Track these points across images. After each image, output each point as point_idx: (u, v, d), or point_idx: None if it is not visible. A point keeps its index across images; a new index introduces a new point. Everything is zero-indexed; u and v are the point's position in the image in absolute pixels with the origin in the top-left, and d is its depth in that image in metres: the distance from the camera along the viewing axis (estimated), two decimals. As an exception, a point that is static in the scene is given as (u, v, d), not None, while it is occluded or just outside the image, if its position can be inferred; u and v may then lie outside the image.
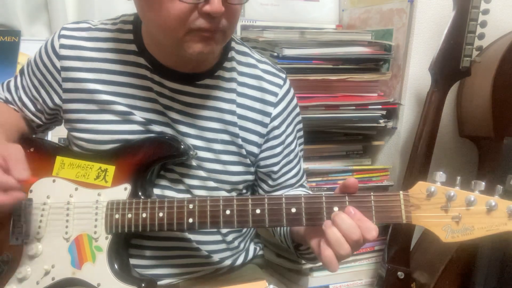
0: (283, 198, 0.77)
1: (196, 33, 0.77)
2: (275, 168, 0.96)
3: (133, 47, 0.90)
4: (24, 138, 0.99)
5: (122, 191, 0.87)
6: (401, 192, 0.74)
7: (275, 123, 0.94)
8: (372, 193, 0.75)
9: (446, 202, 0.71)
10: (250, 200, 0.79)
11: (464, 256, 1.30)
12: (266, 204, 0.78)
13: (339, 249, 0.72)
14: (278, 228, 0.96)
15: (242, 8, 0.82)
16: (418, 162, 1.25)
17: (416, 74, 1.41)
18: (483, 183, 0.71)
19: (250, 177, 0.97)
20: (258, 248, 1.09)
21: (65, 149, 0.97)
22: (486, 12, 1.18)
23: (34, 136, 1.05)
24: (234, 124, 0.92)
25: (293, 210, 0.77)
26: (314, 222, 0.76)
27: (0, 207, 0.77)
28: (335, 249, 0.72)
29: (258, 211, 0.78)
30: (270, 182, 0.98)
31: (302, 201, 0.76)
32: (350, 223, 0.72)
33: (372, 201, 0.74)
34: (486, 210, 0.70)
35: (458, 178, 0.72)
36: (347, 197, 0.75)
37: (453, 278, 1.31)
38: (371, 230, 0.72)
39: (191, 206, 0.81)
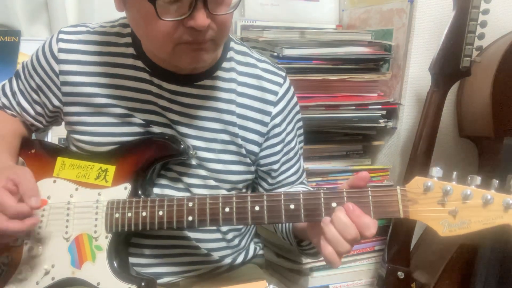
0: (282, 195, 0.78)
1: (185, 46, 0.78)
2: (275, 166, 0.97)
3: (131, 50, 0.91)
4: (25, 140, 0.99)
5: (122, 191, 0.88)
6: (398, 187, 0.74)
7: (276, 121, 0.94)
8: (369, 189, 0.75)
9: (442, 197, 0.72)
10: (249, 197, 0.79)
11: (464, 256, 1.30)
12: (265, 201, 0.78)
13: (337, 247, 0.73)
14: (280, 226, 0.96)
15: (232, 16, 0.81)
16: (418, 162, 1.25)
17: (416, 74, 1.41)
18: (479, 178, 0.71)
19: (250, 176, 0.97)
20: (258, 248, 1.09)
21: (66, 150, 0.98)
22: (486, 12, 1.18)
23: (34, 138, 1.05)
24: (233, 124, 0.92)
25: (292, 206, 0.77)
26: (312, 218, 0.77)
27: (16, 233, 0.82)
28: (334, 247, 0.73)
29: (257, 208, 0.78)
30: (270, 180, 0.98)
31: (301, 197, 0.77)
32: (345, 222, 0.72)
33: (370, 197, 0.74)
34: (483, 203, 0.70)
35: (455, 173, 0.72)
36: (345, 193, 0.75)
37: (453, 278, 1.31)
38: (370, 227, 0.72)
39: (190, 204, 0.81)
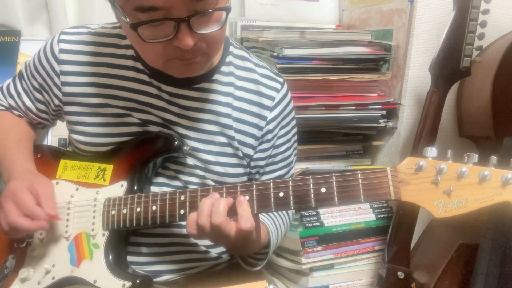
0: (271, 183, 0.77)
1: (176, 61, 0.78)
2: (261, 170, 0.98)
3: (131, 52, 0.91)
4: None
5: (119, 188, 0.88)
6: (388, 167, 0.71)
7: (270, 126, 0.95)
8: (359, 171, 0.73)
9: (436, 176, 0.67)
10: (239, 187, 0.79)
11: (464, 256, 1.30)
12: (254, 190, 0.78)
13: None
14: None
15: (223, 31, 0.80)
16: (418, 162, 1.25)
17: (416, 74, 1.41)
18: (476, 155, 0.66)
19: (246, 178, 0.98)
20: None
21: (69, 152, 0.99)
22: (486, 12, 1.18)
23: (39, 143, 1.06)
24: (229, 127, 0.92)
25: (281, 194, 0.77)
26: (302, 205, 0.76)
27: (25, 231, 0.85)
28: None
29: (246, 197, 0.78)
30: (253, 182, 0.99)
31: (290, 184, 0.76)
32: (203, 210, 0.76)
33: (359, 179, 0.72)
34: (479, 180, 0.65)
35: (449, 151, 0.68)
36: (334, 177, 0.74)
37: (453, 278, 1.31)
38: (246, 221, 0.75)
39: (182, 197, 0.82)
